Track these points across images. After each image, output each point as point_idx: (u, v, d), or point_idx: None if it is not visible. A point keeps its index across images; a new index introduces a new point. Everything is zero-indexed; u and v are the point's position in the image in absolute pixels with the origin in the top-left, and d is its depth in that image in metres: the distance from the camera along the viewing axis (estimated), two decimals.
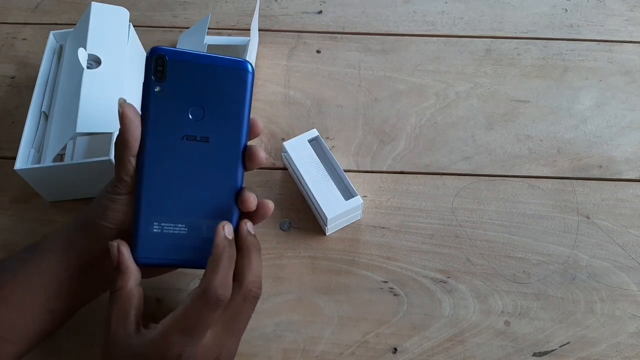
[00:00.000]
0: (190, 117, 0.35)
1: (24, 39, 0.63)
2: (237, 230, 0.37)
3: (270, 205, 0.38)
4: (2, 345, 0.35)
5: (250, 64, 0.36)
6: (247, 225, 0.37)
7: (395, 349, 0.44)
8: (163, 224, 0.36)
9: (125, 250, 0.35)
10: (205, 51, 0.53)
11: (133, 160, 0.35)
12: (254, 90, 0.58)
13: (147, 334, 0.33)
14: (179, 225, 0.36)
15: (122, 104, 0.34)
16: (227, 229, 0.35)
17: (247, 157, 0.37)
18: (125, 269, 0.35)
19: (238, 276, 0.35)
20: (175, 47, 0.36)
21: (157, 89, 0.35)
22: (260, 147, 0.37)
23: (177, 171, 0.36)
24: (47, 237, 0.38)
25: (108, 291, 0.36)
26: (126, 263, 0.35)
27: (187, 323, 0.33)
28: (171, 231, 0.36)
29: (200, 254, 0.36)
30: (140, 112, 0.35)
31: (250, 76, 0.36)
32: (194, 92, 0.35)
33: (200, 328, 0.33)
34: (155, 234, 0.36)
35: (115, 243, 0.35)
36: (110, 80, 0.47)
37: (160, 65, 0.35)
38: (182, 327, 0.33)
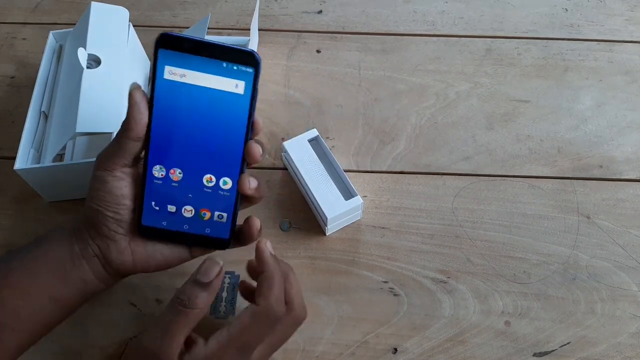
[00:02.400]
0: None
1: (24, 38, 0.63)
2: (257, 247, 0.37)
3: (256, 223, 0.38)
4: (5, 332, 0.35)
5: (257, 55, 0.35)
6: (268, 245, 0.37)
7: (396, 349, 0.44)
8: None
9: (222, 273, 0.34)
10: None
11: (129, 143, 0.35)
12: None
13: (198, 353, 0.33)
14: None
15: (133, 89, 0.35)
16: (269, 246, 0.36)
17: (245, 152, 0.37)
18: (213, 291, 0.34)
19: (287, 298, 0.35)
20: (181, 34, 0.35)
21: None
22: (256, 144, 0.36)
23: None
24: (54, 229, 0.38)
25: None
26: (215, 287, 0.34)
27: (245, 340, 0.33)
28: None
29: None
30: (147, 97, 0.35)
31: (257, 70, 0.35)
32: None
33: (255, 344, 0.33)
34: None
35: (220, 262, 0.34)
36: (110, 80, 0.47)
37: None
38: (239, 343, 0.33)
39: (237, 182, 0.37)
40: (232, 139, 0.36)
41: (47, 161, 0.47)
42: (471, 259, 0.48)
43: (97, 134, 0.45)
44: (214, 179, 0.36)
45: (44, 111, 0.51)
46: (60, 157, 0.51)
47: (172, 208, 0.37)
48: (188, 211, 0.37)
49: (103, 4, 0.51)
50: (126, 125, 0.35)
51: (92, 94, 0.45)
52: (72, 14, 0.65)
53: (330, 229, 0.48)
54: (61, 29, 0.55)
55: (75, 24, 0.53)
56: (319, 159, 0.49)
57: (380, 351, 0.44)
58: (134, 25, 0.55)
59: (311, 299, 0.46)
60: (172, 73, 0.34)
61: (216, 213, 0.37)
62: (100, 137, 0.51)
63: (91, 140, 0.52)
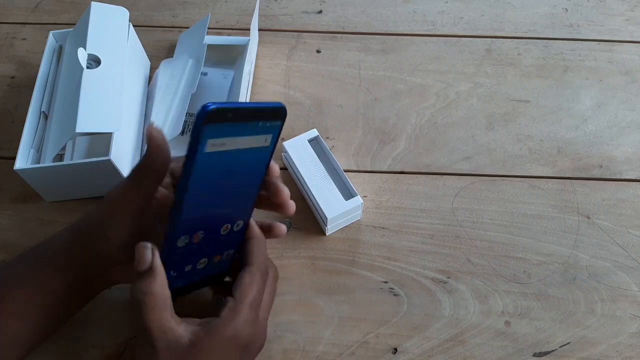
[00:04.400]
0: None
1: (24, 38, 0.63)
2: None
3: (283, 228, 0.39)
4: (5, 351, 0.35)
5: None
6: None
7: (395, 350, 0.44)
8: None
9: (157, 253, 0.33)
10: (205, 51, 0.53)
11: (153, 186, 0.33)
12: (254, 89, 0.58)
13: (205, 327, 0.33)
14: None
15: (152, 131, 0.32)
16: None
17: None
18: (160, 271, 0.32)
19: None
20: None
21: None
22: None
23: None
24: (46, 246, 0.37)
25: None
26: (159, 266, 0.32)
27: (252, 297, 0.34)
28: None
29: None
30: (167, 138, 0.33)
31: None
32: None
33: (259, 300, 0.35)
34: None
35: (149, 245, 0.32)
36: (110, 80, 0.47)
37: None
38: (249, 301, 0.34)
39: (274, 192, 0.37)
40: (251, 187, 0.35)
41: (47, 161, 0.47)
42: (471, 259, 0.48)
43: (97, 134, 0.45)
44: (229, 226, 0.36)
45: (44, 111, 0.51)
46: (60, 157, 0.51)
47: (188, 267, 0.35)
48: (202, 263, 0.36)
49: (103, 4, 0.51)
50: (152, 171, 0.32)
51: (92, 94, 0.45)
52: (72, 14, 0.65)
53: (330, 229, 0.48)
54: (61, 29, 0.55)
55: (75, 24, 0.53)
56: (319, 159, 0.49)
57: (380, 351, 0.44)
58: (133, 25, 0.55)
59: (311, 299, 0.46)
60: (214, 145, 0.31)
61: (225, 253, 0.37)
62: (100, 137, 0.51)
63: (91, 140, 0.52)
